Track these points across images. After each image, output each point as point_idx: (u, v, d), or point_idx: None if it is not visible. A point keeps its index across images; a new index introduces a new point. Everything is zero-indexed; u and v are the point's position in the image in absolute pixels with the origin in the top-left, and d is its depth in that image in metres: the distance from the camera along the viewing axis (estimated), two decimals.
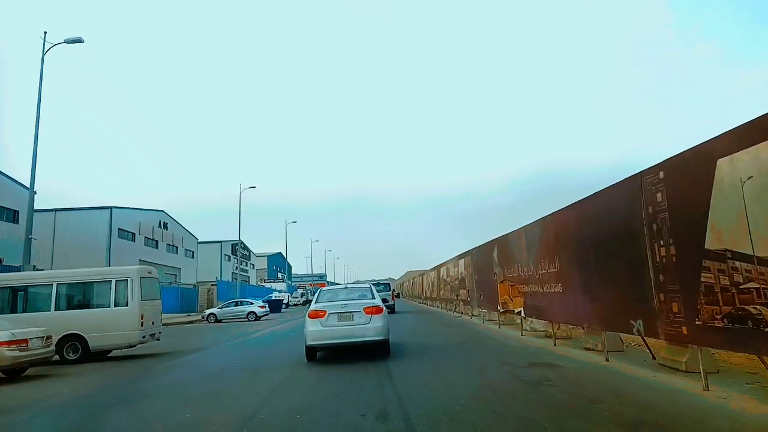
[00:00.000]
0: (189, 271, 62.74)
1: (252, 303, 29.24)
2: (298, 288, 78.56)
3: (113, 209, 45.30)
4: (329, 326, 8.97)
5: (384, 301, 11.10)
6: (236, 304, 29.35)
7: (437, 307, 32.32)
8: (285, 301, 51.01)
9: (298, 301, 61.91)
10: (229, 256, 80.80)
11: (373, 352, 9.68)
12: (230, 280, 78.75)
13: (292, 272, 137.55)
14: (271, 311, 38.39)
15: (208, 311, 29.12)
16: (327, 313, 9.04)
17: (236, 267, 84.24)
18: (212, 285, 42.60)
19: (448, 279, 25.38)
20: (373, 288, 10.60)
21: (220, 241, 77.33)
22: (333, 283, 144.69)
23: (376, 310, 9.13)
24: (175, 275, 59.82)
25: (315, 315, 9.13)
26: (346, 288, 10.88)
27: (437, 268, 30.98)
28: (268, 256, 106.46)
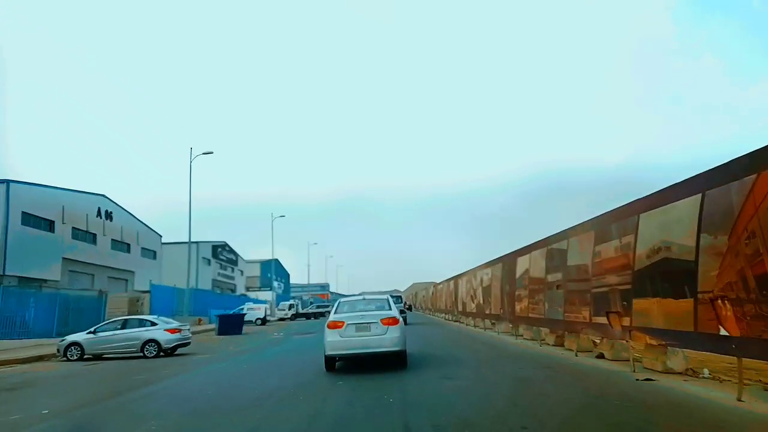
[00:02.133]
0: (148, 275, 48.75)
1: (154, 324, 15.28)
2: (292, 299, 64.75)
3: (11, 183, 31.75)
4: (347, 336, 9.06)
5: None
6: (123, 326, 15.45)
7: (494, 330, 18.16)
8: (262, 316, 37.24)
9: (285, 314, 48.08)
10: (209, 260, 67.05)
11: None
12: (212, 289, 65.05)
13: (291, 282, 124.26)
14: (224, 332, 24.56)
15: (69, 338, 15.22)
16: (345, 324, 9.12)
17: (218, 273, 70.59)
18: (144, 292, 28.77)
19: (555, 276, 11.31)
20: (391, 299, 10.50)
21: (197, 242, 63.57)
22: (335, 294, 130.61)
23: (393, 321, 9.19)
24: (127, 280, 46.28)
25: (334, 325, 9.23)
26: (364, 299, 10.84)
27: (498, 262, 17.00)
28: (261, 263, 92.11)
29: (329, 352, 9.26)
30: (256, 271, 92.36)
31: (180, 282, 50.12)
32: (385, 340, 8.98)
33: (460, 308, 27.30)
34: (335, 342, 9.11)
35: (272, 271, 59.70)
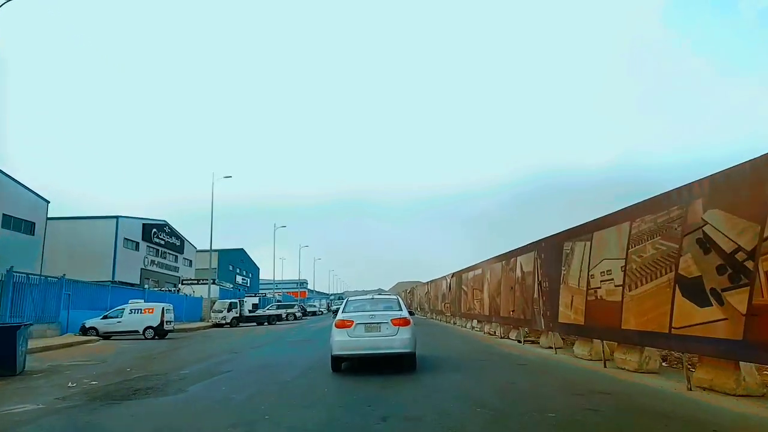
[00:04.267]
0: (17, 257, 32.22)
1: None
2: (251, 297, 48.31)
3: None
4: (356, 336, 8.74)
5: None
6: None
7: None
8: (155, 324, 21.32)
9: (223, 318, 32.16)
10: (137, 243, 50.50)
11: None
12: (140, 281, 48.61)
13: (262, 277, 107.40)
14: None
15: None
16: (354, 323, 8.80)
17: (152, 261, 54.03)
18: None
19: None
20: (401, 300, 10.26)
21: (116, 217, 47.13)
22: (312, 292, 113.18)
23: (404, 321, 8.92)
24: None
25: (342, 325, 8.90)
26: (372, 299, 10.59)
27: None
28: (220, 251, 75.05)
29: (336, 352, 8.92)
30: (213, 261, 75.63)
31: (84, 271, 33.87)
32: (396, 341, 8.70)
33: (567, 317, 11.80)
34: (343, 342, 8.78)
35: (211, 260, 43.53)
